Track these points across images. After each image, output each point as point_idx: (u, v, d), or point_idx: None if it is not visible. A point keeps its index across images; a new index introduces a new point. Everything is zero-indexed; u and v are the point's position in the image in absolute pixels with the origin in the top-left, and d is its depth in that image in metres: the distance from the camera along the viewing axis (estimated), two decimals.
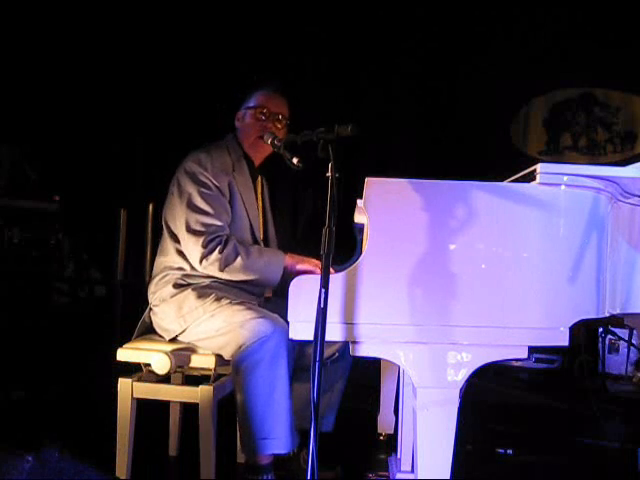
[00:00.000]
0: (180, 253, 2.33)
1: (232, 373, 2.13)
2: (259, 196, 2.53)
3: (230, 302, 2.22)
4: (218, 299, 2.23)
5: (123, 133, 4.62)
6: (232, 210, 2.34)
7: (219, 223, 2.27)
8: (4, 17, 4.15)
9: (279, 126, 2.42)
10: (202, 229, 2.24)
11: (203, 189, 2.28)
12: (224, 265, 2.21)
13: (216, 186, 2.29)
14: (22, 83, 4.28)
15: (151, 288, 2.39)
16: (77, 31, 4.49)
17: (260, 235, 2.47)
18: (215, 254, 2.21)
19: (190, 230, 2.25)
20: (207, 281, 2.29)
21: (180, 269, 2.33)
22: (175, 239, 2.35)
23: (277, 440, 2.06)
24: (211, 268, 2.23)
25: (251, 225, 2.40)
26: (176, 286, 2.31)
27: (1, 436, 2.57)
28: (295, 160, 1.84)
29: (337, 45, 4.79)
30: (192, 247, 2.25)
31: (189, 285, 2.30)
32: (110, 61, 4.59)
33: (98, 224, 4.45)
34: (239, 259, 2.22)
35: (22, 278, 3.74)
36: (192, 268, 2.30)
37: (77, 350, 3.81)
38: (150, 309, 2.40)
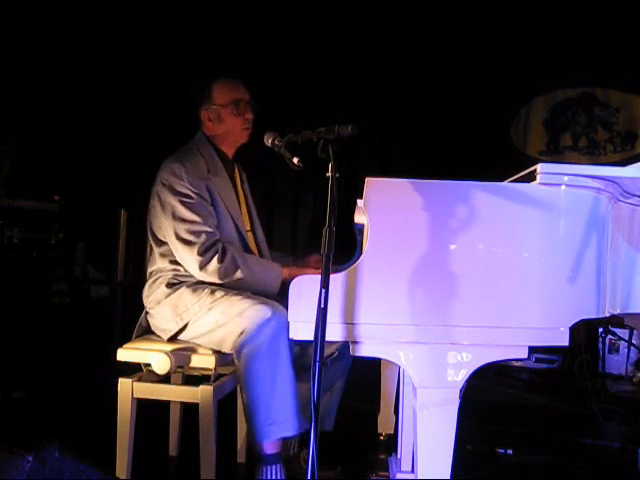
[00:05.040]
0: (171, 260, 2.33)
1: (234, 361, 2.13)
2: (239, 189, 2.53)
3: (225, 293, 2.21)
4: (212, 292, 2.23)
5: (123, 133, 4.62)
6: (215, 212, 2.33)
7: (209, 229, 2.26)
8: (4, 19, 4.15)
9: (252, 110, 2.43)
10: (193, 238, 2.23)
11: (184, 199, 2.26)
12: (224, 275, 2.22)
13: (196, 193, 2.28)
14: (22, 83, 4.27)
15: (145, 292, 2.39)
16: (78, 33, 4.49)
17: (247, 227, 2.47)
18: (214, 263, 2.21)
19: (181, 240, 2.25)
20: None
21: (173, 270, 2.33)
22: (164, 248, 2.34)
23: (284, 423, 2.06)
24: (210, 278, 2.24)
25: (235, 223, 2.39)
26: (169, 285, 2.31)
27: (1, 436, 2.57)
28: (295, 160, 1.84)
29: (338, 45, 4.79)
30: (187, 256, 2.25)
31: (182, 283, 2.30)
32: (110, 62, 4.59)
33: (98, 224, 4.46)
34: (239, 272, 2.22)
35: (22, 278, 3.74)
36: (186, 271, 2.31)
37: (77, 350, 3.81)
38: (146, 312, 2.40)
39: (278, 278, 2.25)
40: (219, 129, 2.43)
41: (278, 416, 2.05)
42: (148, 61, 4.62)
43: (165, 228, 2.31)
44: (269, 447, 2.09)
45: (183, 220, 2.25)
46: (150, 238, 2.40)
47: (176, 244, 2.26)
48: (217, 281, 2.23)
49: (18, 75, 4.25)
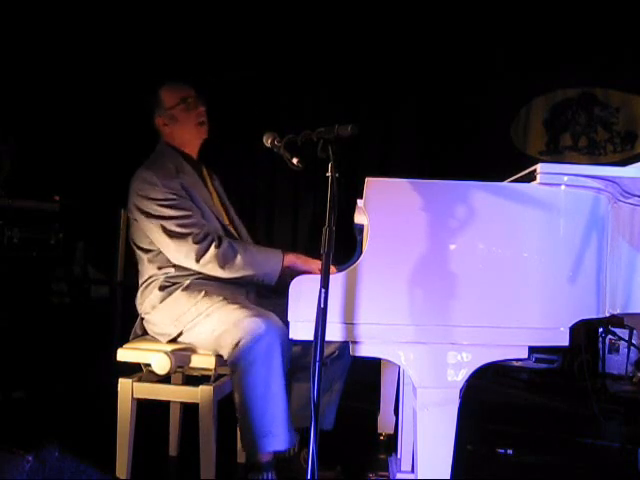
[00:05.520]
0: (160, 266, 2.33)
1: (230, 372, 2.14)
2: (210, 188, 2.53)
3: (222, 300, 2.21)
4: (209, 296, 2.22)
5: (123, 133, 4.62)
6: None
7: (197, 220, 2.27)
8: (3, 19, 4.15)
9: (202, 104, 2.46)
10: (185, 230, 2.24)
11: (165, 202, 2.27)
12: (223, 262, 2.21)
13: (173, 194, 2.28)
14: (22, 83, 4.28)
15: (138, 300, 2.39)
16: (78, 34, 4.49)
17: (226, 222, 2.47)
18: (212, 250, 2.21)
19: (173, 235, 2.24)
20: (190, 279, 2.29)
21: (164, 274, 2.32)
22: (152, 254, 2.34)
23: (275, 437, 2.06)
24: (210, 266, 2.22)
25: (215, 215, 2.40)
26: (162, 288, 2.30)
27: (1, 436, 2.57)
28: (295, 160, 1.84)
29: (338, 45, 4.79)
30: (183, 249, 2.24)
31: (175, 285, 2.29)
32: (111, 61, 4.60)
33: (98, 224, 4.46)
34: (239, 256, 2.21)
35: (22, 278, 3.74)
36: (177, 269, 2.29)
37: (77, 350, 3.81)
38: (142, 319, 2.39)
39: (279, 263, 2.23)
40: (176, 131, 2.45)
41: (269, 430, 2.05)
42: (149, 61, 4.62)
43: (152, 232, 2.29)
44: (262, 456, 2.10)
45: (170, 217, 2.25)
46: (136, 250, 2.40)
47: (168, 241, 2.25)
48: (217, 270, 2.22)
49: (18, 75, 4.25)
